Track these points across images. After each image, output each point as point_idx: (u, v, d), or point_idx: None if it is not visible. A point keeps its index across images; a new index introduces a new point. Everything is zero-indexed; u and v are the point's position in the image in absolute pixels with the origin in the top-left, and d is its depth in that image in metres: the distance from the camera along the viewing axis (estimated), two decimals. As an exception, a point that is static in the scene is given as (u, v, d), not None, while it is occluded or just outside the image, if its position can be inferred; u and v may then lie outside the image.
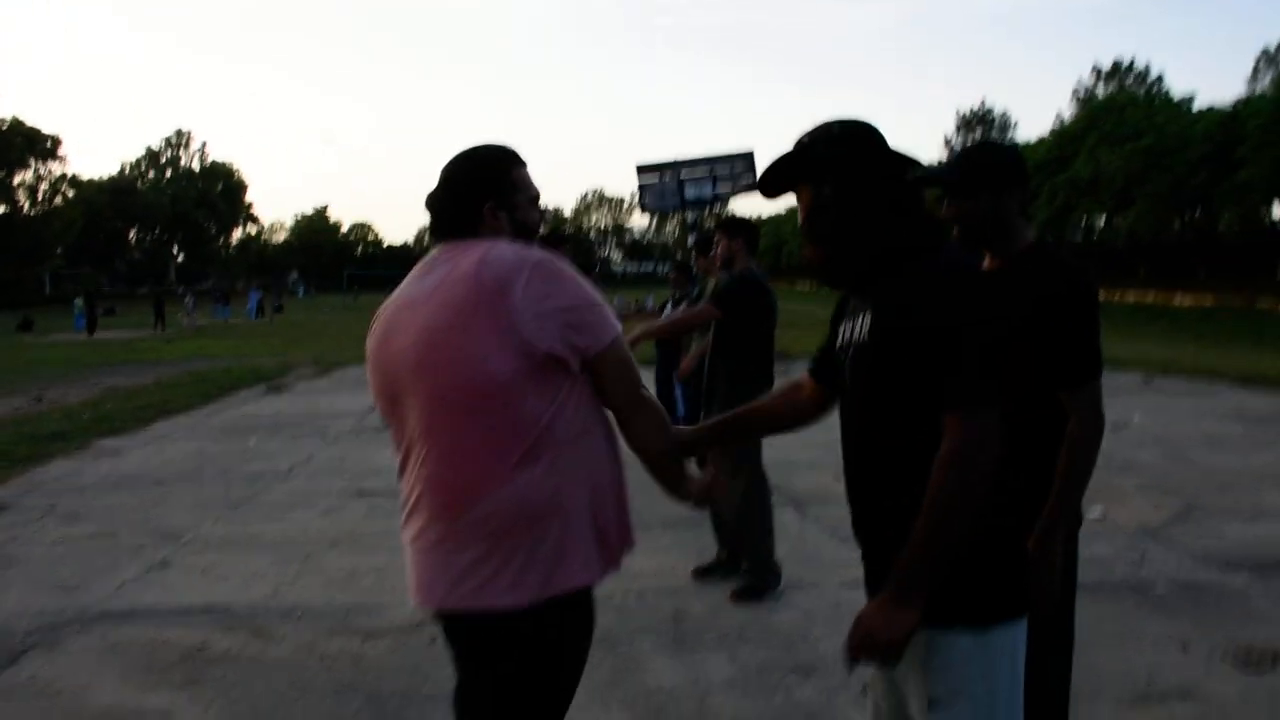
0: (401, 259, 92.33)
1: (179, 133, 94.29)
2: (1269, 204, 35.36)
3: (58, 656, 4.10)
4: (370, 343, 2.04)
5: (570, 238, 8.66)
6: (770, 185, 1.92)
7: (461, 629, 1.96)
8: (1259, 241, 37.23)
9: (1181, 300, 31.21)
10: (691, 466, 2.21)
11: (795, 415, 2.20)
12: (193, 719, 3.49)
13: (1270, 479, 7.19)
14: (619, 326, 1.96)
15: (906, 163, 1.84)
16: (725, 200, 16.48)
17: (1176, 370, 14.00)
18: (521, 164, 2.09)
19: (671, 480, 2.13)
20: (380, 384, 2.01)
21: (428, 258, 2.03)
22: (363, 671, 3.87)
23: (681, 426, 2.20)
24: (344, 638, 4.24)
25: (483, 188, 2.01)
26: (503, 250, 1.89)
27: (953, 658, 1.73)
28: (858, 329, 1.84)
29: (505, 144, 2.10)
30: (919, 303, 1.71)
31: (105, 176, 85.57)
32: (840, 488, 6.18)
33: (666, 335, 6.58)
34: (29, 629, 4.41)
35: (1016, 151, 2.54)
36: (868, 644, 1.71)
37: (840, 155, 1.82)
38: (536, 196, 2.10)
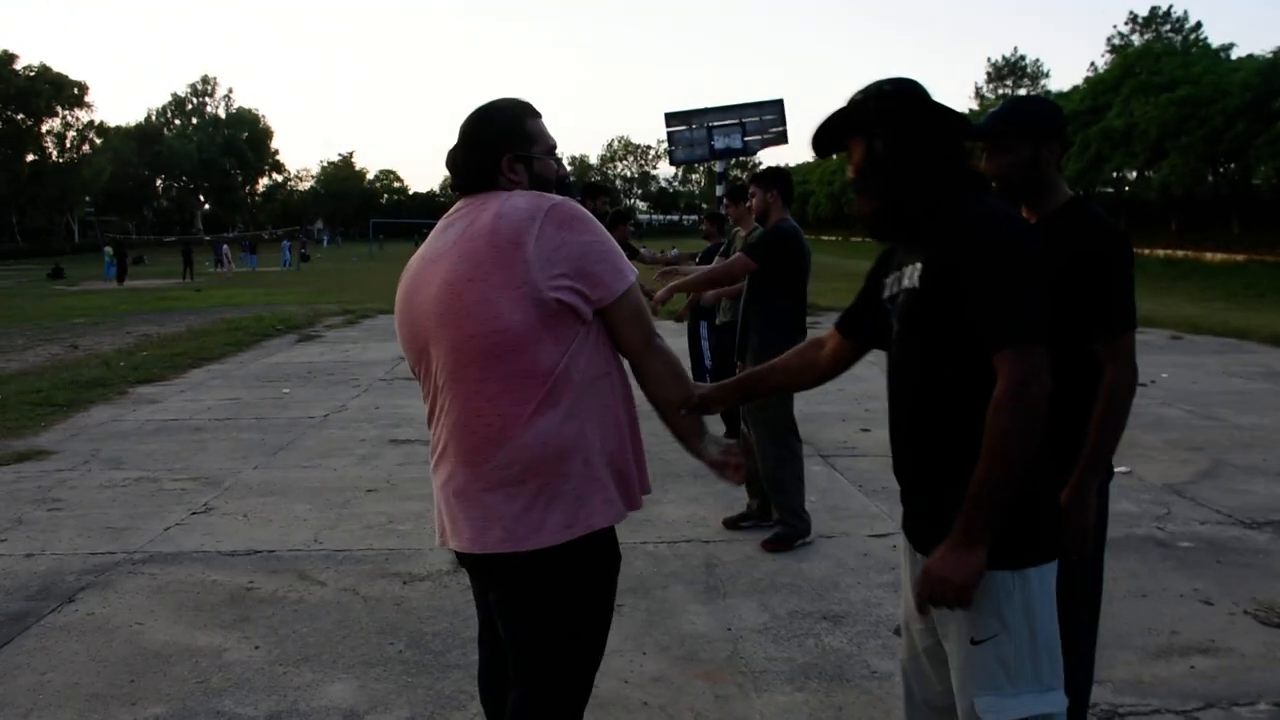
0: (427, 207, 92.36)
1: (205, 79, 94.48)
2: (1307, 158, 34.56)
3: (111, 595, 4.26)
4: (398, 296, 2.11)
5: (610, 189, 8.60)
6: (822, 141, 2.00)
7: (491, 571, 2.03)
8: (1294, 196, 36.49)
9: (1213, 256, 30.71)
10: (714, 433, 2.23)
11: (814, 372, 2.27)
12: (244, 656, 3.63)
13: (1299, 437, 7.18)
14: (632, 276, 2.00)
15: (955, 117, 1.91)
16: (754, 150, 16.35)
17: (1206, 328, 13.88)
18: (535, 115, 2.11)
19: (687, 434, 2.18)
20: (407, 336, 2.08)
21: (450, 212, 2.09)
22: (405, 614, 4.01)
23: (701, 383, 2.26)
24: (385, 581, 4.38)
25: (499, 141, 2.04)
26: (517, 202, 1.94)
27: (996, 596, 1.81)
28: (907, 279, 1.92)
29: (519, 97, 2.13)
30: (967, 247, 1.79)
31: (132, 123, 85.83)
32: (866, 440, 6.32)
33: (700, 289, 6.57)
34: (82, 569, 4.58)
35: (1057, 107, 2.57)
36: (940, 590, 1.79)
37: (892, 109, 1.90)
38: (553, 147, 2.13)
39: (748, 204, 5.02)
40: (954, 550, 1.76)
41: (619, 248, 2.02)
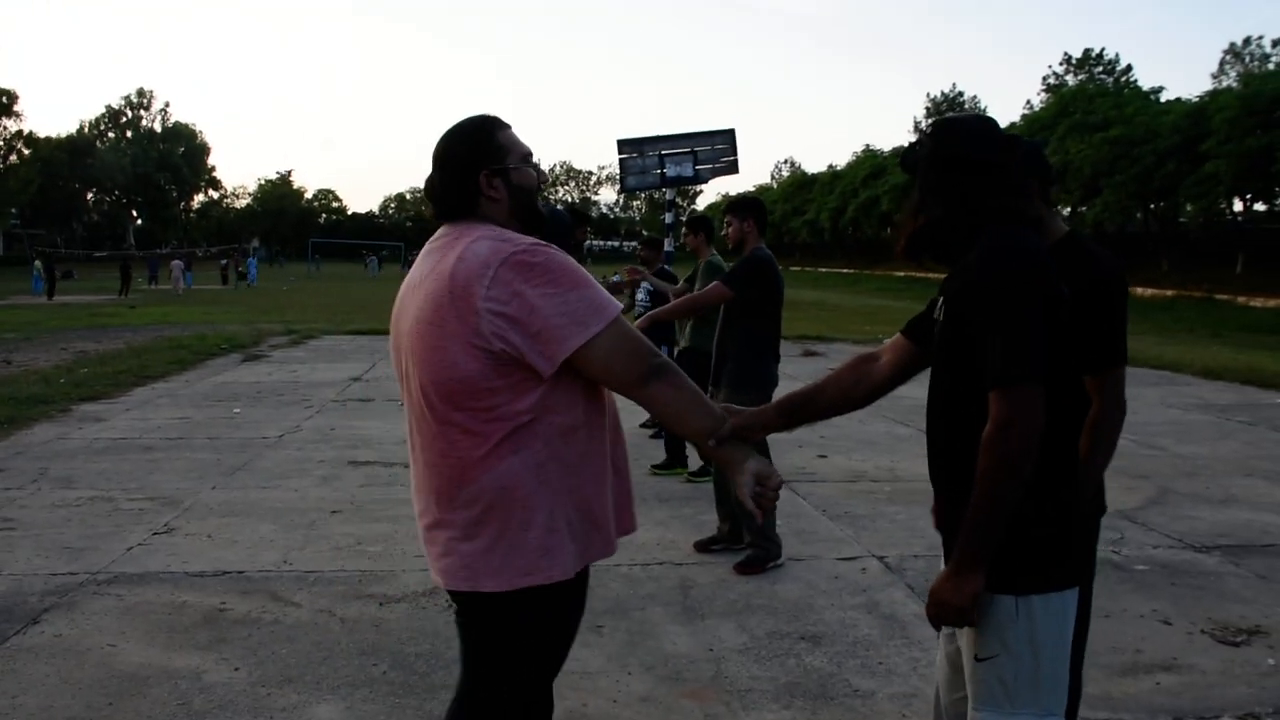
0: (365, 228, 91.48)
1: (141, 92, 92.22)
2: (1231, 198, 36.06)
3: (78, 617, 4.16)
4: (392, 316, 2.14)
5: (591, 217, 8.50)
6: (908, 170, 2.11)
7: (455, 599, 2.08)
8: (1220, 234, 38.01)
9: (1144, 291, 31.76)
10: (759, 457, 2.06)
11: (868, 385, 2.20)
12: (224, 678, 3.57)
13: (1236, 467, 7.49)
14: (602, 321, 1.89)
15: (983, 155, 1.98)
16: (705, 179, 16.54)
17: (1142, 361, 14.34)
18: (505, 126, 2.11)
19: (724, 465, 2.08)
20: (395, 358, 2.12)
21: (434, 237, 2.08)
22: (384, 635, 3.98)
23: (736, 406, 2.18)
24: (361, 603, 4.34)
25: (472, 159, 2.03)
26: (478, 248, 1.91)
27: (999, 619, 1.90)
28: (938, 309, 2.02)
29: (485, 112, 2.12)
30: (971, 288, 1.88)
31: (63, 135, 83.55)
32: (824, 466, 6.45)
33: (677, 318, 6.63)
34: (44, 590, 4.47)
35: (1035, 145, 2.66)
36: (943, 612, 1.90)
37: (921, 149, 2.03)
38: (528, 154, 2.11)
39: (725, 235, 5.09)
40: (951, 576, 1.87)
41: (590, 293, 1.91)
